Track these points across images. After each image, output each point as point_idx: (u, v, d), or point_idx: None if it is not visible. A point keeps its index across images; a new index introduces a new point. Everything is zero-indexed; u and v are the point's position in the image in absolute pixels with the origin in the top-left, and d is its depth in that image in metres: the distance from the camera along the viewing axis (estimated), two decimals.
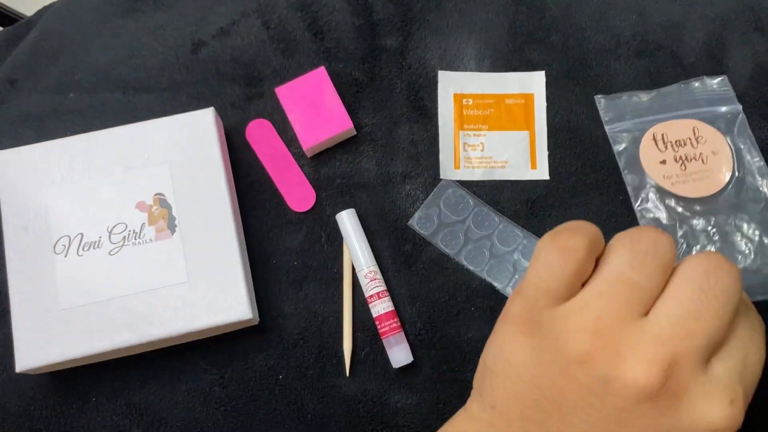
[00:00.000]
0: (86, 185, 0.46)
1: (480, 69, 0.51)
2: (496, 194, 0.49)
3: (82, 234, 0.45)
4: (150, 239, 0.45)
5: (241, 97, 0.51)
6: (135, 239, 0.45)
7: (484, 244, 0.47)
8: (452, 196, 0.48)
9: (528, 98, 0.50)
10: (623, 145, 0.48)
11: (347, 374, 0.45)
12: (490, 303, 0.46)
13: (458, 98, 0.50)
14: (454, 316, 0.46)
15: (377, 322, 0.45)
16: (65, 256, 0.44)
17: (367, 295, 0.46)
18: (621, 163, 0.48)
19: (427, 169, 0.50)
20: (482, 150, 0.49)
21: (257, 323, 0.46)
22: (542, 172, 0.49)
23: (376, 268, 0.46)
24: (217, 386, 0.45)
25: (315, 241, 0.48)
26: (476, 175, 0.49)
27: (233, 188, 0.48)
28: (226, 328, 0.45)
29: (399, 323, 0.45)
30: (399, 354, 0.45)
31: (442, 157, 0.49)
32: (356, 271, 0.46)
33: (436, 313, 0.47)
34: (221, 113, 0.51)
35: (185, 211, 0.45)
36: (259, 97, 0.51)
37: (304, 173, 0.49)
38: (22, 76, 0.53)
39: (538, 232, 0.47)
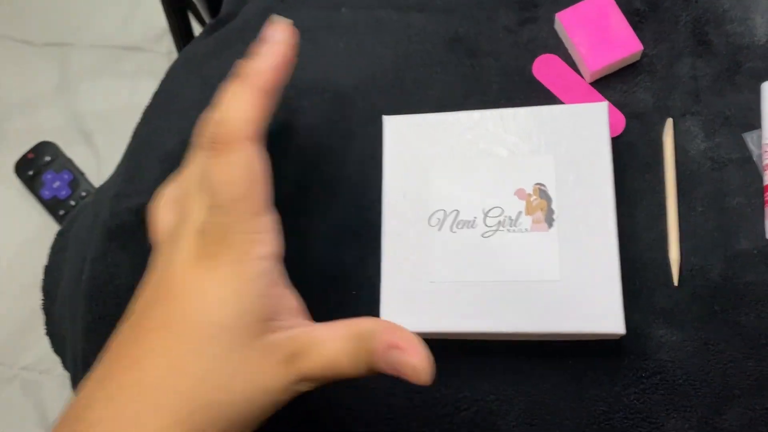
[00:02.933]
0: (469, 163, 0.44)
1: None
2: None
3: (457, 211, 0.44)
4: (525, 229, 0.43)
5: (514, 21, 0.51)
6: (510, 226, 0.43)
7: None
8: None
9: None
10: None
11: (675, 284, 0.44)
12: None
13: None
14: (734, 256, 0.44)
15: None
16: (439, 229, 0.43)
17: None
18: None
19: (707, 107, 0.47)
20: None
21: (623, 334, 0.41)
22: None
23: None
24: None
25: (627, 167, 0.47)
26: None
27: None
28: (588, 337, 0.42)
29: None
30: None
31: None
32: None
33: (713, 250, 0.45)
34: (493, 36, 0.51)
35: (565, 207, 0.43)
36: (532, 22, 0.51)
37: None
38: None
39: None
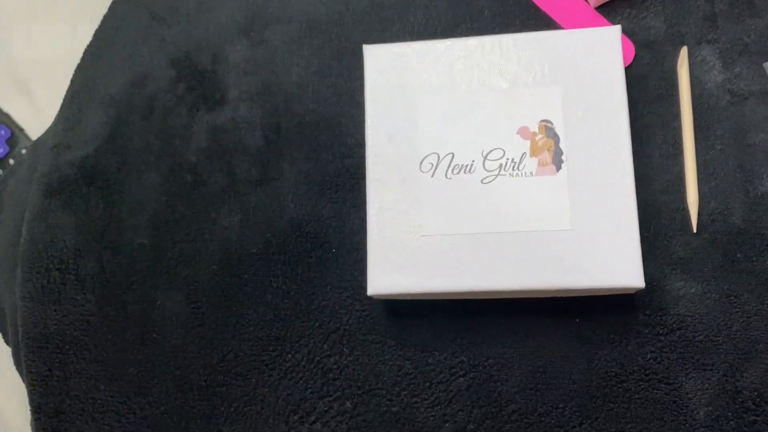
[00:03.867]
0: (464, 98, 0.39)
1: None
2: None
3: (452, 154, 0.38)
4: (530, 172, 0.37)
5: None
6: (513, 170, 0.37)
7: None
8: None
9: None
10: None
11: (694, 231, 0.40)
12: None
13: None
14: (757, 198, 0.40)
15: None
16: (432, 176, 0.38)
17: None
18: None
19: (725, 33, 0.42)
20: None
21: (642, 287, 0.36)
22: None
23: None
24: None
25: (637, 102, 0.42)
26: None
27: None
28: (604, 291, 0.38)
29: None
30: None
31: None
32: None
33: (735, 192, 0.40)
34: None
35: (575, 146, 0.37)
36: None
37: None
38: None
39: None
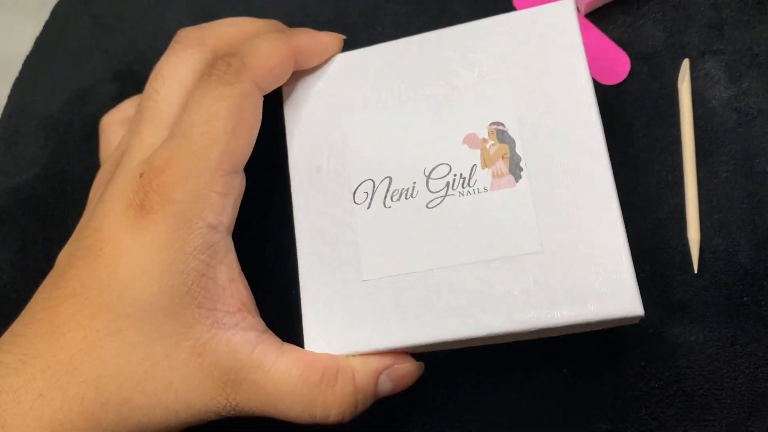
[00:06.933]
0: (396, 111, 0.33)
1: None
2: None
3: (390, 178, 0.32)
4: (484, 188, 0.31)
5: None
6: (463, 187, 0.31)
7: None
8: None
9: None
10: None
11: (695, 271, 0.36)
12: None
13: None
14: (766, 234, 0.36)
15: None
16: (368, 207, 0.32)
17: None
18: None
19: (732, 43, 0.38)
20: None
21: (642, 317, 0.30)
22: None
23: None
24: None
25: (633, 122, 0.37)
26: None
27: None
28: (593, 326, 0.30)
29: None
30: None
31: None
32: None
33: (741, 227, 0.36)
34: None
35: (535, 148, 0.31)
36: None
37: None
38: None
39: None
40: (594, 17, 0.39)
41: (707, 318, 0.35)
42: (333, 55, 0.33)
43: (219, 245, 0.28)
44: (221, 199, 0.27)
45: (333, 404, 0.28)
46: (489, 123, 0.31)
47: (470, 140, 0.32)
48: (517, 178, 0.31)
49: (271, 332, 0.29)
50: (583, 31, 0.38)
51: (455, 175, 0.31)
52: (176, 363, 0.26)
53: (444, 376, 0.36)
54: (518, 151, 0.31)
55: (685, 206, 0.36)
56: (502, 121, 0.31)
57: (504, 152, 0.31)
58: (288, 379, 0.27)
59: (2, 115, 0.44)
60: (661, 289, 0.36)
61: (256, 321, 0.29)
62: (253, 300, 0.30)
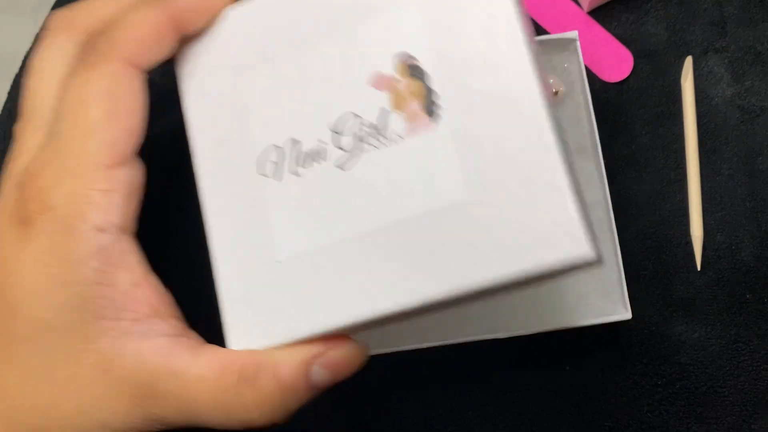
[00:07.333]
0: (294, 61, 0.28)
1: None
2: None
3: (293, 140, 0.27)
4: (398, 135, 0.26)
5: None
6: (375, 138, 0.26)
7: None
8: None
9: None
10: None
11: (698, 268, 0.36)
12: None
13: None
14: None
15: None
16: (278, 179, 0.27)
17: None
18: None
19: (735, 41, 0.38)
20: None
21: (598, 261, 0.24)
22: None
23: None
24: None
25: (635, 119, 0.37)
26: None
27: (532, 32, 0.28)
28: (549, 276, 0.25)
29: None
30: None
31: None
32: None
33: (744, 225, 0.36)
34: None
35: (454, 81, 0.26)
36: None
37: None
38: None
39: None
40: (597, 14, 0.38)
41: (710, 315, 0.35)
42: (221, 11, 0.29)
43: (112, 248, 0.24)
44: (106, 197, 0.24)
45: (254, 406, 0.25)
46: (397, 56, 0.26)
47: (377, 80, 0.26)
48: (435, 118, 0.26)
49: (190, 335, 0.26)
50: (586, 28, 0.38)
51: (364, 125, 0.26)
52: (82, 384, 0.24)
53: (444, 374, 0.36)
54: (433, 86, 0.26)
55: (688, 203, 0.36)
56: (412, 53, 0.26)
57: (418, 90, 0.26)
58: (203, 384, 0.25)
59: (2, 113, 0.44)
60: (663, 286, 0.36)
61: (169, 325, 0.26)
62: (169, 302, 0.27)
